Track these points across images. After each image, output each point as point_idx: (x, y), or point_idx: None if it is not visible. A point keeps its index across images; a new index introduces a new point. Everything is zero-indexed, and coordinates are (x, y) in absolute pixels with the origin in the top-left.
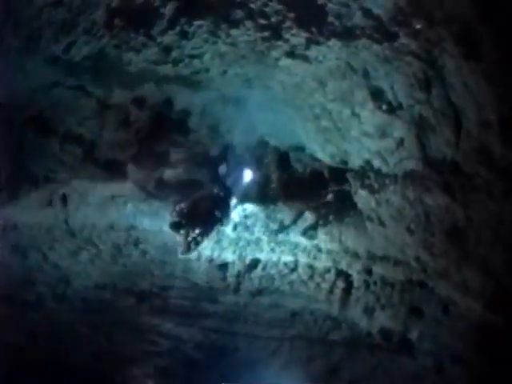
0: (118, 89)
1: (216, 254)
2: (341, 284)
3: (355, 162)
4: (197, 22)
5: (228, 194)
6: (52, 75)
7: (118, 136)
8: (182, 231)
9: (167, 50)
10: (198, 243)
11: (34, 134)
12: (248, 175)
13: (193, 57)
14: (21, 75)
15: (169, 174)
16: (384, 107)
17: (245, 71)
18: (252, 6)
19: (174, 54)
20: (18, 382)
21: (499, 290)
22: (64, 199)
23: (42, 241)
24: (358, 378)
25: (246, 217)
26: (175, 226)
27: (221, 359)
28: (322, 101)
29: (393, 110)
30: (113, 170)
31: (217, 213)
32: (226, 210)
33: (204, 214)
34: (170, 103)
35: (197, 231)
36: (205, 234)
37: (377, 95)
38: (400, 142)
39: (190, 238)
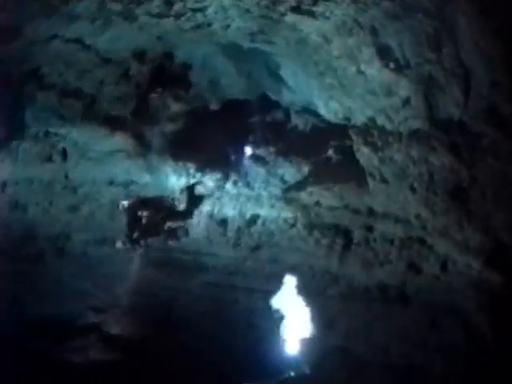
0: (119, 42)
1: (216, 210)
2: (340, 240)
3: (358, 119)
4: None
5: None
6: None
7: (118, 90)
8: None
9: (169, 2)
10: (136, 243)
11: (33, 89)
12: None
13: (196, 10)
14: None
15: (169, 128)
16: (391, 65)
17: (248, 26)
18: None
19: (177, 7)
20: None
21: (499, 248)
22: (64, 154)
23: (42, 196)
24: (353, 331)
25: (246, 173)
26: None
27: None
28: (327, 57)
29: (400, 68)
30: (113, 124)
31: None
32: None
33: (140, 220)
34: (170, 57)
35: (136, 234)
36: (141, 239)
37: (384, 53)
38: (406, 101)
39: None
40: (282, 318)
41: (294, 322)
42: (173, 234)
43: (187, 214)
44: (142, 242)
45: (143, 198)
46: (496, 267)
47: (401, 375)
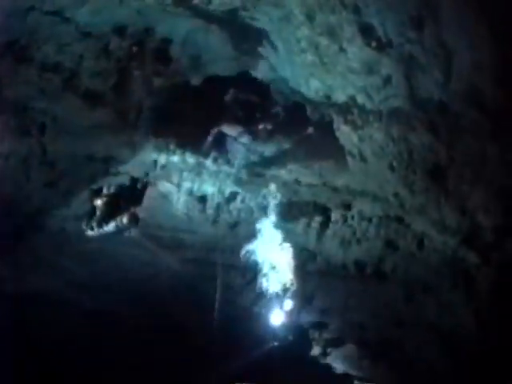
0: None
1: (196, 187)
2: (318, 217)
3: (339, 98)
4: None
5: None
6: None
7: (98, 65)
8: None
9: None
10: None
11: (12, 62)
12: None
13: None
14: None
15: (150, 103)
16: (373, 44)
17: (230, 1)
18: None
19: None
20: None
21: (476, 229)
22: (43, 128)
23: (19, 171)
24: (330, 307)
25: (226, 150)
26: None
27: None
28: (309, 34)
29: (382, 47)
30: (93, 99)
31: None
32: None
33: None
34: (151, 32)
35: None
36: (98, 228)
37: (366, 31)
38: (387, 80)
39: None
40: (260, 293)
41: (272, 297)
42: (122, 221)
43: (138, 199)
44: (101, 231)
45: (98, 188)
46: (472, 247)
47: (377, 351)
